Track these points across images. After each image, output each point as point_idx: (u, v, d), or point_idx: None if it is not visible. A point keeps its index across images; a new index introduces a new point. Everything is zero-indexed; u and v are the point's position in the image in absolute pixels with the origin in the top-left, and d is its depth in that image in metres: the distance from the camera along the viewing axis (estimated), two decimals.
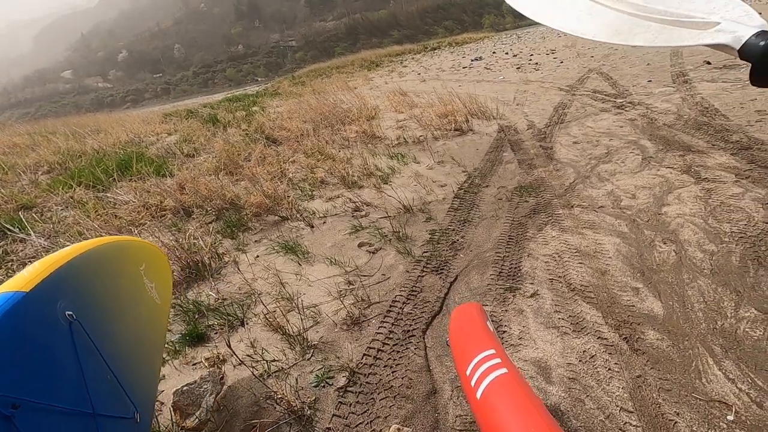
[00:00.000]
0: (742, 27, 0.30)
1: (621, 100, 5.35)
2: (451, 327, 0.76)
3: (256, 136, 5.70)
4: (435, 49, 28.90)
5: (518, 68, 10.74)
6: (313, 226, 3.01)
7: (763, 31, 0.29)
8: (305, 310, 2.02)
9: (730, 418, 1.21)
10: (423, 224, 2.82)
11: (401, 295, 2.06)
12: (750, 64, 0.29)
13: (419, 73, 14.61)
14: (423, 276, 2.21)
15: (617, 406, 1.31)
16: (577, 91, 6.51)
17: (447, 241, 2.54)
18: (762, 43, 0.28)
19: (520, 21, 64.15)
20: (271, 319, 1.92)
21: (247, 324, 2.01)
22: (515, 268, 2.15)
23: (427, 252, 2.44)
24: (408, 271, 2.27)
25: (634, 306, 1.72)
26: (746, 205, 2.28)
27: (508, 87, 8.10)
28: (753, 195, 2.37)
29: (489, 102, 6.25)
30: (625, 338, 1.56)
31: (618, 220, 2.42)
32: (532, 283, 2.00)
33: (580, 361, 1.50)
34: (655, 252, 2.05)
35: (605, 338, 1.58)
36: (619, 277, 1.92)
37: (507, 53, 15.86)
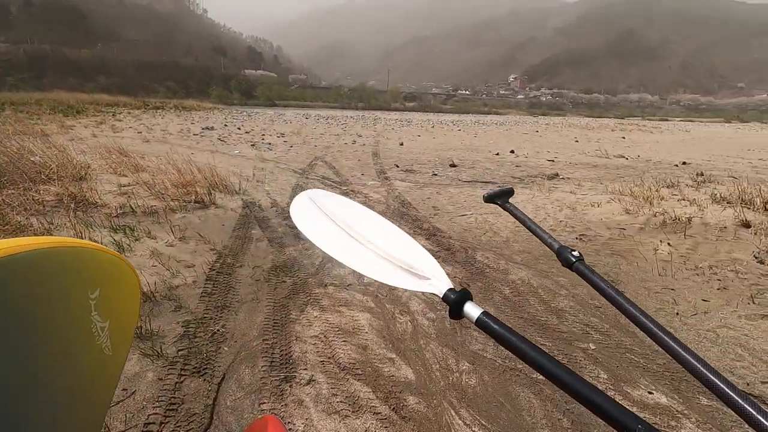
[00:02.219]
0: (441, 284, 0.50)
1: (345, 188, 6.39)
2: None
3: None
4: (158, 108, 26.70)
5: (253, 145, 11.22)
6: None
7: (451, 288, 0.48)
8: None
9: None
10: (172, 314, 2.40)
11: (156, 413, 1.64)
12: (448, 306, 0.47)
13: (141, 132, 13.03)
14: (182, 381, 1.85)
15: None
16: (309, 175, 7.34)
17: (206, 333, 2.25)
18: (452, 296, 0.46)
19: (247, 100, 68.05)
20: None
21: None
22: (286, 354, 2.11)
23: (182, 350, 2.08)
24: (161, 379, 1.85)
25: (394, 376, 1.98)
26: None
27: (245, 162, 8.29)
28: (446, 270, 3.24)
29: (230, 176, 6.19)
30: (394, 408, 1.77)
31: (365, 296, 2.80)
32: (305, 369, 2.00)
33: None
34: (397, 323, 2.47)
35: (379, 412, 1.74)
36: (377, 350, 2.19)
37: (240, 128, 16.38)
